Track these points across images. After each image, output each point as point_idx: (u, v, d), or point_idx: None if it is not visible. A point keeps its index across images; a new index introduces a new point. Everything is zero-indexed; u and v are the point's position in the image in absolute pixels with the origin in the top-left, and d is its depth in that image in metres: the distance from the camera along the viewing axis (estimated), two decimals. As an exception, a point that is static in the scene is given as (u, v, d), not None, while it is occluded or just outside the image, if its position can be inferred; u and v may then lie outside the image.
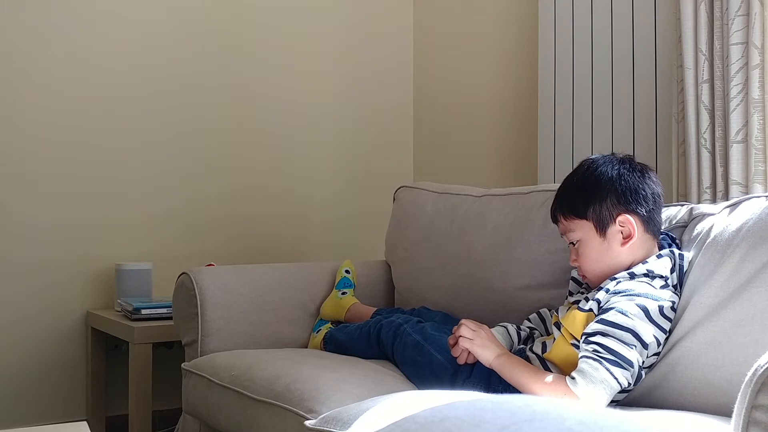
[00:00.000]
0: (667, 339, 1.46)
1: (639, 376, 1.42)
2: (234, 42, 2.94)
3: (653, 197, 1.53)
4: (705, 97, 1.94)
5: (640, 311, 1.41)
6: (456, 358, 1.59)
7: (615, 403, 1.43)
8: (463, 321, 1.61)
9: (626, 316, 1.40)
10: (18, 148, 2.59)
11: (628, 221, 1.51)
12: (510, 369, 1.49)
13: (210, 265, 2.47)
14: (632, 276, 1.48)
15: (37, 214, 2.61)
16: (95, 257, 2.69)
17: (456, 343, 1.58)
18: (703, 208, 1.63)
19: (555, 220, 1.62)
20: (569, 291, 1.69)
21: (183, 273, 2.08)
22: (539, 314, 1.76)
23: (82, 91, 2.68)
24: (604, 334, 1.39)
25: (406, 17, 3.32)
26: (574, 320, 1.50)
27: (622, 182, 1.52)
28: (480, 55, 2.98)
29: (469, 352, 1.56)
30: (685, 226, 1.63)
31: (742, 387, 0.90)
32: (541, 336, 1.70)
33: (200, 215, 2.87)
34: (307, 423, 1.41)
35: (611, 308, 1.42)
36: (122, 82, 2.74)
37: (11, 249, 2.57)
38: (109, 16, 2.72)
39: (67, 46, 2.66)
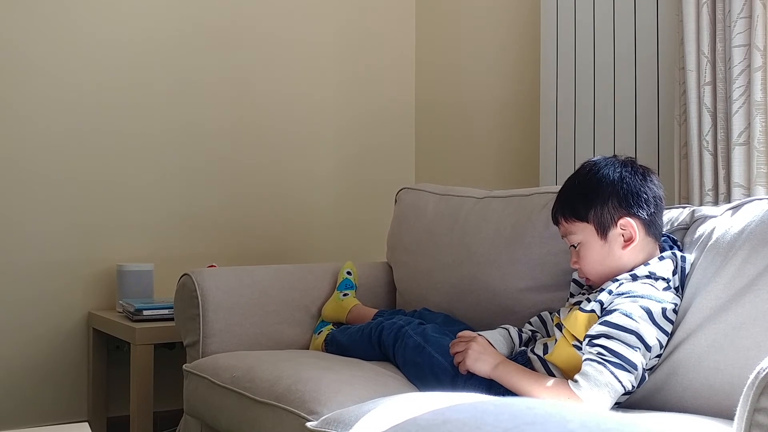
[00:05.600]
0: (668, 341, 1.46)
1: (642, 378, 1.42)
2: (235, 42, 2.94)
3: (655, 200, 1.53)
4: (707, 100, 1.94)
5: (644, 313, 1.41)
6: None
7: (617, 405, 1.43)
8: (454, 340, 1.60)
9: (630, 318, 1.40)
10: (19, 150, 2.59)
11: (630, 224, 1.50)
12: (510, 377, 1.48)
13: (211, 266, 2.47)
14: (634, 278, 1.48)
15: (38, 215, 2.61)
16: (96, 258, 2.69)
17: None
18: (705, 210, 1.63)
19: (556, 222, 1.62)
20: (570, 293, 1.69)
21: (184, 274, 2.09)
22: (540, 317, 1.76)
23: (84, 95, 2.68)
24: (608, 337, 1.39)
25: (409, 19, 3.32)
26: (576, 321, 1.50)
27: (624, 185, 1.51)
28: (482, 57, 2.98)
29: None
30: (687, 229, 1.63)
31: (744, 390, 0.89)
32: (543, 338, 1.70)
33: (202, 216, 2.87)
34: (309, 425, 1.41)
35: (615, 310, 1.42)
36: (127, 87, 2.74)
37: (13, 250, 2.57)
38: (115, 22, 2.72)
39: (70, 50, 2.66)
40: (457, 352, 1.57)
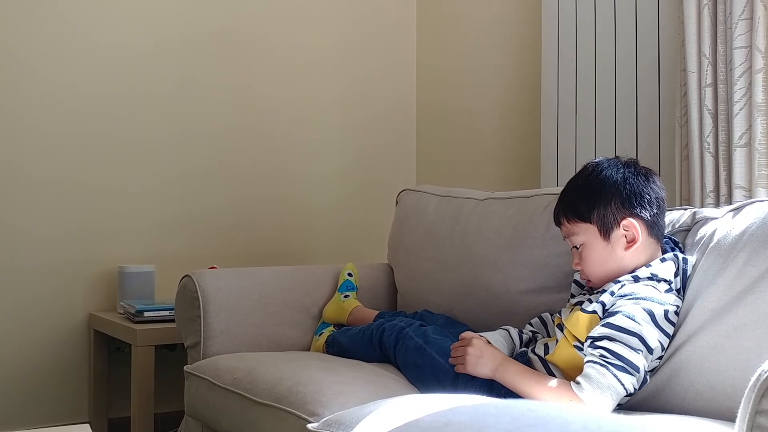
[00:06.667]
0: (670, 343, 1.46)
1: (644, 380, 1.42)
2: (237, 45, 2.94)
3: (657, 201, 1.53)
4: (708, 101, 1.93)
5: (647, 315, 1.41)
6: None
7: (618, 406, 1.43)
8: (455, 343, 1.60)
9: (633, 320, 1.40)
10: (21, 152, 2.59)
11: (632, 225, 1.50)
12: (511, 378, 1.48)
13: (213, 267, 2.47)
14: (636, 279, 1.48)
15: (40, 217, 2.61)
16: (98, 259, 2.69)
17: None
18: (706, 212, 1.63)
19: (558, 223, 1.62)
20: (571, 293, 1.69)
21: (186, 275, 2.09)
22: (541, 318, 1.76)
23: (85, 97, 2.68)
24: (611, 339, 1.39)
25: (410, 22, 3.32)
26: (578, 322, 1.49)
27: (627, 186, 1.51)
28: (483, 59, 2.98)
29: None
30: (688, 230, 1.63)
31: (746, 392, 0.89)
32: (544, 338, 1.70)
33: (203, 217, 2.87)
34: (310, 426, 1.41)
35: (617, 312, 1.42)
36: (128, 89, 2.74)
37: (14, 252, 2.57)
38: (118, 26, 2.72)
39: (73, 55, 2.66)
40: (456, 357, 1.56)
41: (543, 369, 1.54)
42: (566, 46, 2.46)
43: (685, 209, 1.69)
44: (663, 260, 1.51)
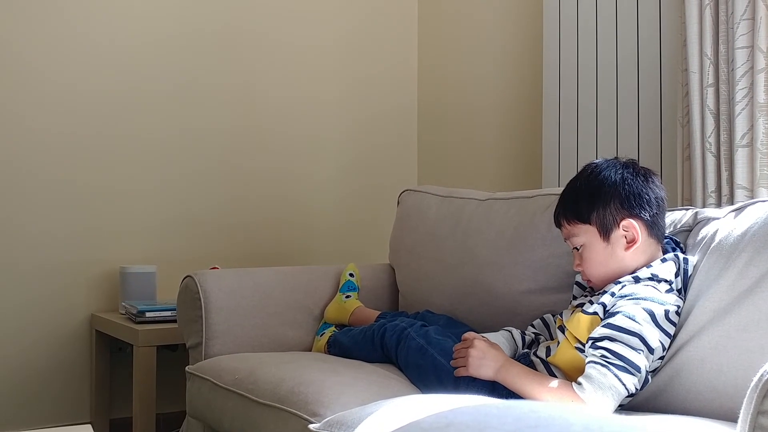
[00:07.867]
0: (671, 343, 1.46)
1: (645, 380, 1.42)
2: (238, 45, 2.94)
3: (657, 202, 1.53)
4: (710, 101, 1.93)
5: (647, 315, 1.41)
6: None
7: (620, 407, 1.43)
8: (457, 344, 1.60)
9: (634, 320, 1.40)
10: (22, 153, 2.59)
11: (632, 226, 1.50)
12: (513, 379, 1.48)
13: (214, 268, 2.47)
14: (637, 280, 1.48)
15: (41, 217, 2.61)
16: (99, 260, 2.70)
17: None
18: (708, 212, 1.63)
19: (558, 225, 1.62)
20: (573, 295, 1.69)
21: (187, 276, 2.09)
22: (543, 320, 1.76)
23: (87, 98, 2.68)
24: (611, 339, 1.39)
25: (411, 23, 3.32)
26: (579, 324, 1.49)
27: (626, 187, 1.52)
28: (484, 60, 2.98)
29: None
30: (690, 230, 1.63)
31: (748, 392, 0.89)
32: (546, 341, 1.70)
33: (205, 218, 2.87)
34: (311, 426, 1.41)
35: (618, 312, 1.42)
36: (129, 90, 2.74)
37: (16, 252, 2.58)
38: (120, 26, 2.73)
39: (75, 55, 2.66)
40: (458, 358, 1.56)
41: (545, 371, 1.54)
42: (568, 46, 2.46)
43: (687, 209, 1.69)
44: (663, 260, 1.51)
